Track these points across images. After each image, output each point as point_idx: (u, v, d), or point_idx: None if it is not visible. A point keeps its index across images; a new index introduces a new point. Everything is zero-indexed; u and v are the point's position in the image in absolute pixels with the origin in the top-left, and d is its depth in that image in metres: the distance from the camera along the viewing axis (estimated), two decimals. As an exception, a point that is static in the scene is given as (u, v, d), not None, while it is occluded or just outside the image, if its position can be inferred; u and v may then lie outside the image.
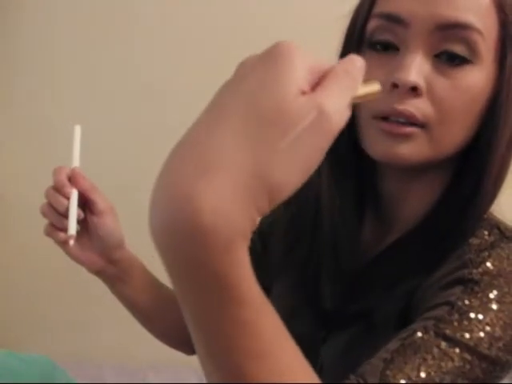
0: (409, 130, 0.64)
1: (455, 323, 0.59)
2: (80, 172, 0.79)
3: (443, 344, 0.58)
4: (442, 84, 0.64)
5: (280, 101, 0.35)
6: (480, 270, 0.63)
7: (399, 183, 0.72)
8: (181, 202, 0.34)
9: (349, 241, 0.75)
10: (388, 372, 0.57)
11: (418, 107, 0.64)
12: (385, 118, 0.65)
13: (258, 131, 0.35)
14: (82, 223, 0.81)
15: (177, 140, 0.37)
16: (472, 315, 0.59)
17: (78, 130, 0.82)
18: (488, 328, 0.59)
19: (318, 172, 0.78)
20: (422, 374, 0.56)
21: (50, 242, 0.81)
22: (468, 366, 0.58)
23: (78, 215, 0.78)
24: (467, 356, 0.58)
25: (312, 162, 0.37)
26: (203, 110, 0.37)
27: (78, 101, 1.82)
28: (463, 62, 0.64)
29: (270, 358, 0.38)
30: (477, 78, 0.64)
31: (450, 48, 0.63)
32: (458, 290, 0.62)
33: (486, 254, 0.64)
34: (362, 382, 0.57)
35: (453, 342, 0.58)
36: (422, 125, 0.64)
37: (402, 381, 0.56)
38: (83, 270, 0.85)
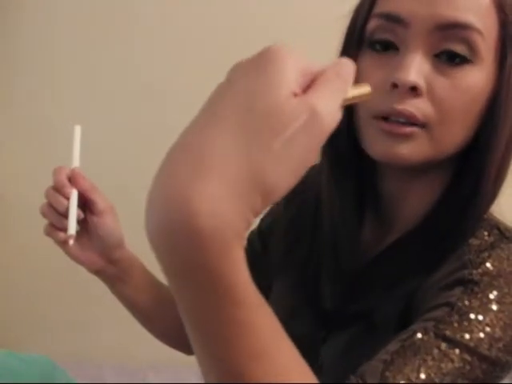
0: (409, 129, 0.64)
1: (455, 324, 0.59)
2: (80, 172, 0.79)
3: (443, 345, 0.58)
4: (441, 84, 0.64)
5: (272, 103, 0.36)
6: (480, 270, 0.63)
7: (399, 183, 0.72)
8: (176, 203, 0.34)
9: (349, 241, 0.75)
10: (388, 373, 0.57)
11: (417, 107, 0.64)
12: (385, 118, 0.65)
13: (251, 133, 0.36)
14: (82, 223, 0.81)
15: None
16: (472, 316, 0.59)
17: (77, 130, 0.83)
18: (488, 329, 0.59)
19: (319, 172, 0.78)
20: (422, 375, 0.56)
21: (49, 242, 0.81)
22: (468, 367, 0.58)
23: (78, 215, 0.78)
24: (467, 357, 0.58)
25: (305, 162, 0.37)
26: (196, 114, 0.38)
27: (78, 101, 1.82)
28: (463, 62, 0.64)
29: (267, 358, 0.38)
30: (477, 78, 0.64)
31: (449, 48, 0.63)
32: (457, 290, 0.62)
33: (486, 254, 0.64)
34: (361, 382, 0.57)
35: (453, 342, 0.58)
36: (422, 125, 0.64)
37: (402, 382, 0.56)
38: (83, 270, 0.85)
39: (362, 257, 0.74)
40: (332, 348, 0.73)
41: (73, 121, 0.85)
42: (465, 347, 0.58)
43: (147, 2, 1.80)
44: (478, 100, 0.65)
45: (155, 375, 1.73)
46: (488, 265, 0.63)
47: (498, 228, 0.67)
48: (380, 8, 0.67)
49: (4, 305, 1.87)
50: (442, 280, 0.64)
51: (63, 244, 0.79)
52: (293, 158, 0.36)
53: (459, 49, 0.63)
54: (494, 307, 0.60)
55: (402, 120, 0.64)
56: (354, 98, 0.40)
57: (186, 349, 0.93)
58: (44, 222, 0.79)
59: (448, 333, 0.58)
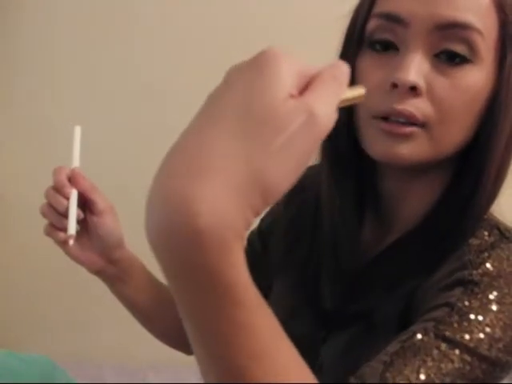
0: (409, 129, 0.64)
1: (455, 324, 0.59)
2: (80, 172, 0.79)
3: (443, 346, 0.58)
4: (441, 83, 0.64)
5: (270, 104, 0.36)
6: (480, 271, 0.63)
7: (399, 183, 0.72)
8: (176, 204, 0.34)
9: (349, 241, 0.75)
10: (387, 374, 0.57)
11: (417, 107, 0.64)
12: (384, 118, 0.65)
13: (249, 133, 0.36)
14: (82, 223, 0.81)
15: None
16: (472, 316, 0.59)
17: (78, 130, 0.83)
18: (488, 329, 0.59)
19: (319, 172, 0.78)
20: (422, 376, 0.56)
21: (49, 242, 0.81)
22: (468, 368, 0.58)
23: (78, 215, 0.78)
24: (467, 357, 0.58)
25: (303, 162, 0.38)
26: (194, 116, 0.38)
27: (78, 101, 1.82)
28: (463, 62, 0.64)
29: (267, 358, 0.38)
30: (476, 78, 0.64)
31: (449, 47, 0.63)
32: (457, 291, 0.62)
33: (486, 254, 0.64)
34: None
35: (453, 343, 0.58)
36: (421, 124, 0.64)
37: (402, 383, 0.56)
38: (83, 270, 0.85)
39: (362, 257, 0.74)
40: (332, 348, 0.73)
41: (73, 121, 0.85)
42: (465, 348, 0.58)
43: (147, 2, 1.80)
44: (478, 100, 0.65)
45: (155, 375, 1.73)
46: (488, 265, 0.63)
47: (498, 228, 0.67)
48: (380, 8, 0.67)
49: (4, 305, 1.87)
50: (442, 280, 0.64)
51: (63, 244, 0.79)
52: (291, 158, 0.37)
53: (459, 49, 0.63)
54: (494, 308, 0.60)
55: (401, 120, 0.64)
56: (348, 99, 0.41)
57: (186, 349, 0.93)
58: (44, 222, 0.79)
59: (448, 333, 0.58)
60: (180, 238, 0.35)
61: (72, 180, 0.78)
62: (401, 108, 0.63)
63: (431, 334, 0.58)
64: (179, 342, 0.92)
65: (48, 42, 1.82)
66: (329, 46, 0.72)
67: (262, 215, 0.89)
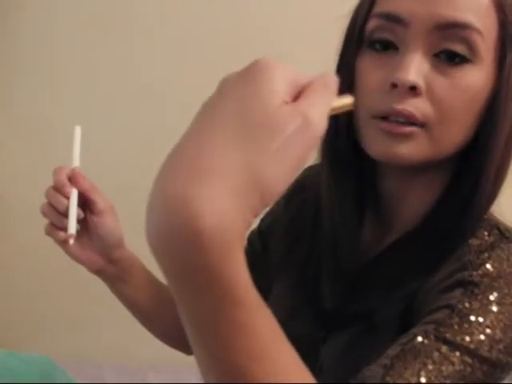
0: (408, 129, 0.64)
1: (455, 326, 0.59)
2: (80, 172, 0.80)
3: (444, 348, 0.58)
4: (441, 83, 0.64)
5: (266, 110, 0.37)
6: (480, 272, 0.63)
7: (399, 183, 0.72)
8: (176, 206, 0.35)
9: (349, 241, 0.75)
10: (388, 378, 0.56)
11: (417, 107, 0.64)
12: (384, 118, 0.65)
13: (247, 137, 0.37)
14: (82, 223, 0.81)
15: (177, 140, 0.38)
16: (472, 318, 0.59)
17: (78, 130, 0.83)
18: (488, 330, 0.59)
19: (319, 172, 0.78)
20: (423, 379, 0.56)
21: (49, 242, 0.81)
22: (469, 369, 0.57)
23: (78, 215, 0.78)
24: (468, 359, 0.58)
25: (298, 164, 0.39)
26: (189, 125, 0.38)
27: (78, 101, 1.82)
28: (463, 62, 0.64)
29: (267, 359, 0.38)
30: (476, 78, 0.64)
31: (449, 47, 0.63)
32: (458, 292, 0.62)
33: (486, 255, 0.64)
34: None
35: (453, 345, 0.58)
36: (421, 124, 0.64)
37: None
38: (83, 270, 0.85)
39: (362, 257, 0.74)
40: (332, 348, 0.73)
41: (73, 121, 0.85)
42: (465, 350, 0.58)
43: (147, 2, 1.80)
44: (478, 100, 0.65)
45: (155, 375, 1.73)
46: (488, 266, 0.63)
47: (497, 228, 0.67)
48: (380, 8, 0.67)
49: (4, 305, 1.87)
50: (442, 281, 0.64)
51: (63, 243, 0.79)
52: (288, 160, 0.38)
53: (459, 48, 0.63)
54: (495, 309, 0.60)
55: (401, 120, 0.64)
56: (338, 108, 0.43)
57: (186, 349, 0.93)
58: (44, 222, 0.79)
59: (448, 335, 0.58)
60: (180, 240, 0.35)
61: (72, 180, 0.78)
62: (400, 108, 0.63)
63: (431, 337, 0.58)
64: (179, 341, 0.92)
65: (48, 42, 1.82)
66: (329, 46, 0.72)
67: (262, 215, 0.89)
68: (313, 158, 0.77)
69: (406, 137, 0.64)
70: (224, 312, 0.36)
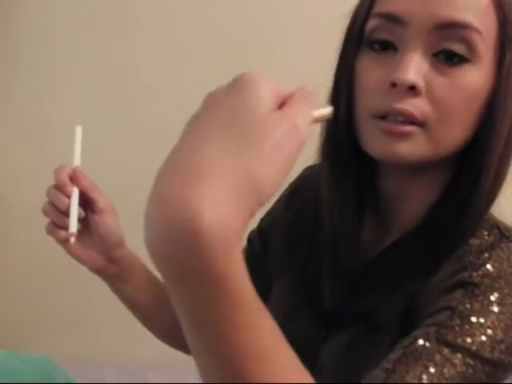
0: (407, 128, 0.64)
1: (457, 328, 0.59)
2: (81, 170, 0.80)
3: (445, 350, 0.58)
4: (440, 83, 0.64)
5: (255, 116, 0.39)
6: (480, 272, 0.63)
7: (399, 182, 0.72)
8: (174, 209, 0.35)
9: (349, 241, 0.75)
10: (390, 382, 0.56)
11: (416, 106, 0.64)
12: (383, 117, 0.65)
13: (240, 140, 0.38)
14: (83, 222, 0.81)
15: (177, 140, 0.39)
16: (473, 319, 0.59)
17: (79, 130, 0.83)
18: (490, 331, 0.59)
19: (318, 172, 0.78)
20: (424, 382, 0.56)
21: (49, 242, 0.81)
22: (471, 371, 0.57)
23: (79, 214, 0.78)
24: (470, 361, 0.58)
25: (288, 166, 0.40)
26: (179, 138, 0.40)
27: (78, 101, 1.82)
28: (462, 61, 0.64)
29: (266, 359, 0.38)
30: (475, 77, 0.64)
31: (448, 47, 0.64)
32: (458, 294, 0.62)
33: (486, 255, 0.64)
34: None
35: (455, 347, 0.58)
36: (420, 124, 0.64)
37: None
38: (83, 270, 0.85)
39: (362, 257, 0.74)
40: (332, 348, 0.73)
41: (73, 121, 0.86)
42: (467, 351, 0.58)
43: (147, 2, 1.80)
44: (477, 99, 0.65)
45: (155, 375, 1.73)
46: (488, 266, 0.63)
47: (497, 227, 0.67)
48: (379, 8, 0.67)
49: (4, 305, 1.87)
50: (442, 282, 0.64)
51: (64, 242, 0.79)
52: (280, 160, 0.39)
53: (458, 48, 0.63)
54: (495, 309, 0.60)
55: (400, 119, 0.64)
56: (317, 118, 0.45)
57: (186, 349, 0.92)
58: (44, 222, 0.80)
59: (450, 337, 0.58)
60: (180, 242, 0.35)
61: (73, 178, 0.79)
62: (400, 107, 0.64)
63: (433, 339, 0.58)
64: (179, 341, 0.92)
65: (48, 42, 1.82)
66: (329, 46, 0.73)
67: (262, 215, 0.89)
68: (312, 158, 0.77)
69: (405, 136, 0.64)
70: (223, 312, 0.37)
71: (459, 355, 0.57)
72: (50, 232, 0.79)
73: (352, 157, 0.73)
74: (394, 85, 0.64)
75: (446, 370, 0.57)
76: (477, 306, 0.60)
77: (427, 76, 0.64)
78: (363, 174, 0.74)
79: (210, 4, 1.78)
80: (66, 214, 0.77)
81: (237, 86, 0.41)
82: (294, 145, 0.40)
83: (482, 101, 0.65)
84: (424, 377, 0.56)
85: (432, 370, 0.56)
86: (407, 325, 0.63)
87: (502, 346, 0.59)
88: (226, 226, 0.36)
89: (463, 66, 0.64)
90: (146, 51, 1.80)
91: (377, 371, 0.58)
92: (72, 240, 0.78)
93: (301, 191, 0.85)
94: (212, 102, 0.41)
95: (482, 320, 0.59)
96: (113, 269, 0.84)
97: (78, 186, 0.78)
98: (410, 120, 0.64)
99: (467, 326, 0.59)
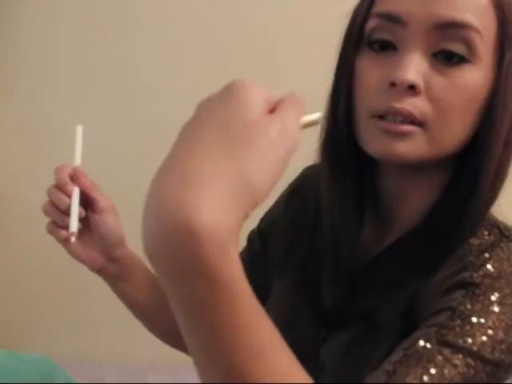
0: (407, 128, 0.64)
1: (457, 329, 0.59)
2: (82, 170, 0.80)
3: (446, 351, 0.58)
4: (439, 82, 0.64)
5: (249, 119, 0.40)
6: (481, 272, 0.63)
7: (399, 182, 0.72)
8: (170, 212, 0.36)
9: (349, 241, 0.75)
10: (391, 383, 0.56)
11: (415, 106, 0.64)
12: (383, 117, 0.65)
13: (233, 143, 0.39)
14: (84, 221, 0.81)
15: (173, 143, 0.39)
16: (474, 320, 0.59)
17: (79, 130, 0.83)
18: (490, 331, 0.59)
19: (318, 172, 0.78)
20: (426, 383, 0.56)
21: (50, 242, 0.81)
22: (472, 372, 0.57)
23: (80, 213, 0.78)
24: (470, 361, 0.58)
25: (281, 167, 0.41)
26: (173, 144, 0.40)
27: (78, 101, 1.82)
28: (461, 61, 0.64)
29: (264, 359, 0.39)
30: (475, 77, 0.64)
31: (447, 47, 0.64)
32: (459, 294, 0.62)
33: (487, 255, 0.64)
34: None
35: (455, 348, 0.58)
36: (420, 123, 0.64)
37: None
38: (83, 270, 0.85)
39: (362, 257, 0.74)
40: (332, 348, 0.73)
41: (73, 121, 0.86)
42: (468, 352, 0.58)
43: (147, 2, 1.80)
44: (476, 99, 0.65)
45: (155, 375, 1.73)
46: (489, 266, 0.63)
47: (497, 227, 0.67)
48: (379, 8, 0.67)
49: (4, 305, 1.87)
50: (443, 282, 0.64)
51: (65, 242, 0.79)
52: (273, 161, 0.40)
53: (457, 48, 0.63)
54: (496, 309, 0.60)
55: (399, 118, 0.64)
56: (306, 124, 0.46)
57: (186, 348, 0.93)
58: (44, 222, 0.80)
59: (450, 338, 0.58)
60: (177, 246, 0.36)
61: (74, 178, 0.79)
62: (399, 107, 0.64)
63: (433, 340, 0.58)
64: (179, 341, 0.91)
65: (48, 42, 1.82)
66: (329, 46, 0.73)
67: (262, 215, 0.89)
68: (312, 158, 0.78)
69: (405, 135, 0.64)
70: (219, 311, 0.37)
71: (460, 356, 0.57)
72: (50, 231, 0.79)
73: (352, 157, 0.73)
74: (393, 84, 0.64)
75: (446, 371, 0.57)
76: (477, 306, 0.60)
77: (427, 76, 0.64)
78: (363, 174, 0.74)
79: (210, 4, 1.78)
80: (66, 213, 0.77)
81: (228, 93, 0.41)
82: (285, 146, 0.41)
83: (482, 101, 0.65)
84: (425, 378, 0.56)
85: (433, 370, 0.56)
86: (407, 325, 0.63)
87: (503, 346, 0.59)
88: (222, 225, 0.36)
89: (463, 65, 0.64)
90: (146, 51, 1.80)
91: (377, 373, 0.58)
92: (72, 239, 0.78)
93: (301, 191, 0.85)
94: (205, 108, 0.42)
95: (482, 320, 0.59)
96: (113, 268, 0.84)
97: (78, 185, 0.78)
98: (410, 120, 0.64)
99: (468, 327, 0.59)
